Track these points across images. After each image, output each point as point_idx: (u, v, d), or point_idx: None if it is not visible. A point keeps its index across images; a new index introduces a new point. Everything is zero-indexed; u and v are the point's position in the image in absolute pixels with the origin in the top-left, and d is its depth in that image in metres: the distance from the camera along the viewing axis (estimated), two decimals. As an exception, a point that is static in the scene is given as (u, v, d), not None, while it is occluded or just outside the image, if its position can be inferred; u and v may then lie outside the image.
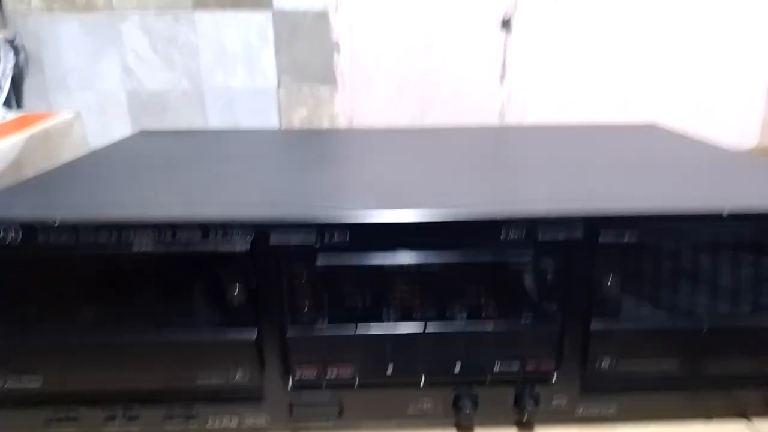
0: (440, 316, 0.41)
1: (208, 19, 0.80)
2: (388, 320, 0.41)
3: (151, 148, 0.66)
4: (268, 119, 0.84)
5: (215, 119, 0.84)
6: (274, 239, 0.39)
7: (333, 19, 0.81)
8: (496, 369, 0.42)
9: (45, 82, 0.81)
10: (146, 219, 0.39)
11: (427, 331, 0.41)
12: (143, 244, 0.39)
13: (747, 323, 0.42)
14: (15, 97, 0.80)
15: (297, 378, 0.42)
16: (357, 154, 0.65)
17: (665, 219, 0.40)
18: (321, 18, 0.81)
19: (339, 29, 0.81)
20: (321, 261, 0.40)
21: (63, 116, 0.70)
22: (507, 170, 0.57)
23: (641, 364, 0.43)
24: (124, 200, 0.45)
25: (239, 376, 0.42)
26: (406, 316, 0.41)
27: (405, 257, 0.40)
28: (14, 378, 0.42)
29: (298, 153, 0.63)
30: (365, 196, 0.46)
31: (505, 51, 0.83)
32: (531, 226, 0.40)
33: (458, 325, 0.41)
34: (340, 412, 0.44)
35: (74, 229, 0.39)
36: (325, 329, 0.41)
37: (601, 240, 0.40)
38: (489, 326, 0.41)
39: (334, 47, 0.82)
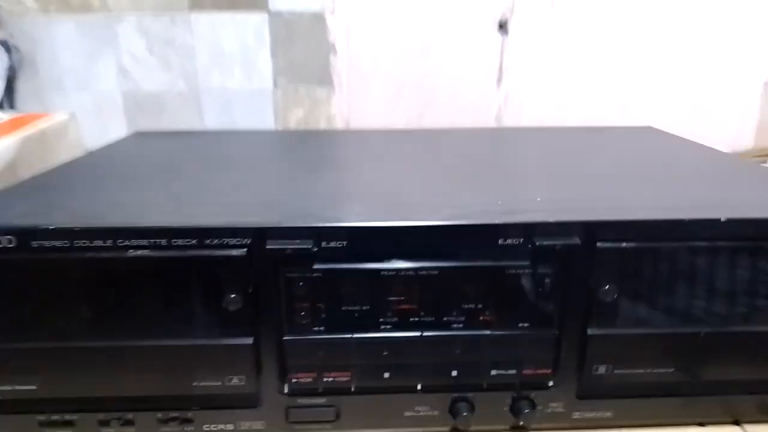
0: (437, 322, 0.41)
1: (204, 20, 0.80)
2: (385, 325, 0.41)
3: (146, 150, 0.65)
4: (265, 121, 0.84)
5: (212, 120, 0.84)
6: (271, 244, 0.39)
7: (329, 20, 0.81)
8: (493, 374, 0.42)
9: (40, 83, 0.80)
10: (142, 224, 0.39)
11: (423, 338, 0.41)
12: (139, 250, 0.39)
13: (742, 329, 0.42)
14: (9, 99, 0.79)
15: (293, 383, 0.42)
16: (354, 156, 0.65)
17: (662, 225, 0.40)
18: (317, 19, 0.80)
19: (335, 31, 0.81)
20: (318, 266, 0.40)
21: (58, 117, 0.69)
22: (504, 174, 0.57)
23: (637, 370, 0.43)
24: (120, 205, 0.45)
25: (235, 381, 0.42)
26: (403, 322, 0.41)
27: (402, 262, 0.40)
28: (9, 383, 0.41)
29: (295, 155, 0.63)
30: (362, 201, 0.46)
31: (502, 53, 0.83)
32: (529, 232, 0.40)
33: (455, 330, 0.41)
34: (337, 417, 0.43)
35: (70, 234, 0.39)
36: (322, 334, 0.41)
37: (598, 246, 0.40)
38: (486, 332, 0.41)
39: (331, 48, 0.82)
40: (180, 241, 0.39)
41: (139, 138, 0.72)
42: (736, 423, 0.45)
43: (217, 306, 0.40)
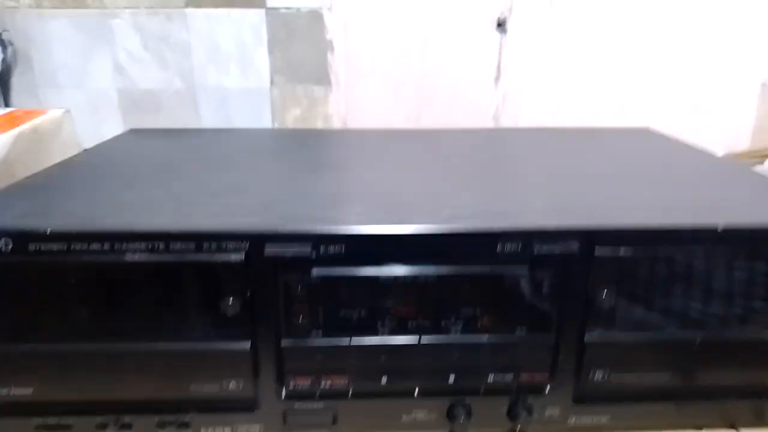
0: (435, 328, 0.41)
1: (200, 17, 0.79)
2: (383, 331, 0.41)
3: (142, 149, 0.65)
4: (262, 119, 0.84)
5: (208, 118, 0.83)
6: (269, 250, 0.39)
7: (327, 18, 0.80)
8: (490, 380, 0.43)
9: (34, 79, 0.80)
10: (139, 229, 0.39)
11: (421, 343, 0.41)
12: (136, 254, 0.39)
13: (739, 336, 0.43)
14: (3, 95, 0.79)
15: (291, 388, 0.42)
16: (352, 157, 0.65)
17: (660, 233, 0.40)
18: (315, 17, 0.80)
19: (333, 28, 0.81)
20: (316, 272, 0.40)
21: (52, 113, 0.69)
22: (502, 177, 0.57)
23: (634, 376, 0.43)
24: (117, 206, 0.44)
25: (233, 386, 0.42)
26: (400, 328, 0.41)
27: (400, 269, 0.40)
28: (5, 386, 0.41)
29: (292, 155, 0.63)
30: (361, 201, 0.46)
31: (500, 53, 0.83)
32: (527, 239, 0.39)
33: (453, 336, 0.41)
34: (334, 422, 0.43)
35: (67, 237, 0.38)
36: (320, 340, 0.41)
37: (597, 254, 0.40)
38: (484, 338, 0.41)
39: (328, 46, 0.81)
40: (178, 246, 0.39)
41: (134, 136, 0.71)
42: (733, 427, 0.46)
43: (215, 310, 0.40)
